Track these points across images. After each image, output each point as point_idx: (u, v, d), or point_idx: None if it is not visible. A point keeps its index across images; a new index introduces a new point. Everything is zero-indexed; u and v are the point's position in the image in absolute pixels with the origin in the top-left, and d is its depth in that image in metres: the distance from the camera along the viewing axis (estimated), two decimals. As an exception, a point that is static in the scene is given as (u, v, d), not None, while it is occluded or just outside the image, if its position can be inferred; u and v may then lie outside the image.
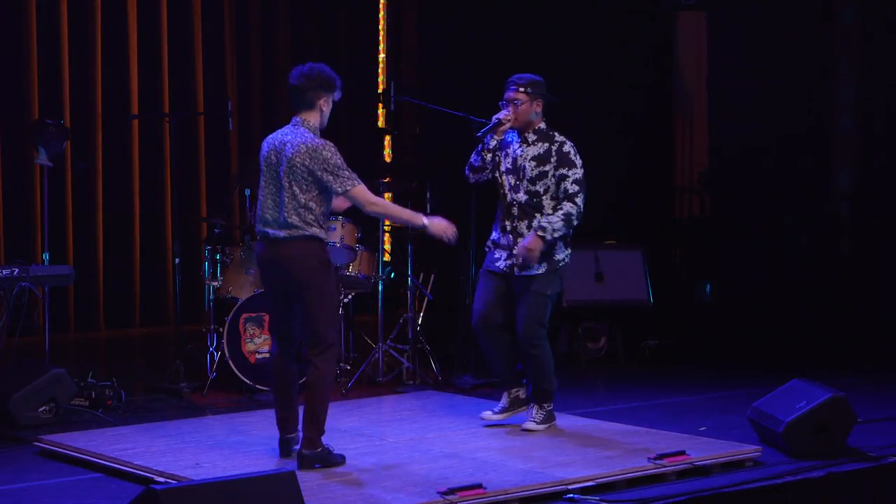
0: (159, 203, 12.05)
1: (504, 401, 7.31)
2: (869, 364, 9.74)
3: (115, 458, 6.41)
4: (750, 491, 6.10)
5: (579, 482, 6.01)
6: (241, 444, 6.71)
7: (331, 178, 6.16)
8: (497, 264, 7.17)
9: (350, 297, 9.09)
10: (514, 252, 7.04)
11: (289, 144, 6.24)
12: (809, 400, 6.75)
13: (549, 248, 7.02)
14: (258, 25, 12.51)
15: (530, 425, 7.12)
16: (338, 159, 6.19)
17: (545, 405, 7.16)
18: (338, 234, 8.79)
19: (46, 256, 9.14)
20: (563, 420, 7.36)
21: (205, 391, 8.44)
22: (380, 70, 13.08)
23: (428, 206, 9.48)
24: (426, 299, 9.43)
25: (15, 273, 8.03)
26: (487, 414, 7.30)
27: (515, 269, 7.06)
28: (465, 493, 5.67)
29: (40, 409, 7.47)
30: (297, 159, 6.18)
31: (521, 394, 7.28)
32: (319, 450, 6.24)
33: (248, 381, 8.38)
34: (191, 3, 12.13)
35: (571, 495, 5.90)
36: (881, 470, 6.54)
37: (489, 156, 7.20)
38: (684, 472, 6.32)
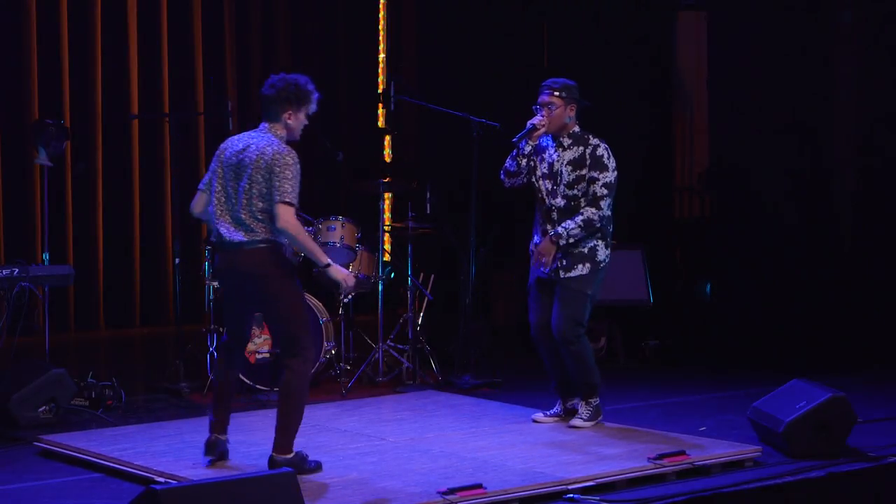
0: (159, 203, 12.06)
1: (558, 408, 7.38)
2: (869, 364, 9.75)
3: (115, 458, 6.42)
4: (750, 491, 6.10)
5: (579, 482, 6.01)
6: (241, 444, 6.71)
7: (278, 182, 5.98)
8: (541, 270, 7.21)
9: (350, 297, 9.09)
10: (562, 258, 7.10)
11: (253, 147, 6.09)
12: (809, 400, 6.75)
13: (591, 249, 7.12)
14: (258, 25, 12.51)
15: (577, 422, 7.18)
16: (294, 171, 6.01)
17: (591, 400, 7.22)
18: (337, 233, 8.79)
19: (46, 256, 9.14)
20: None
21: (205, 391, 8.44)
22: (380, 70, 13.08)
23: (428, 205, 9.48)
24: (426, 299, 9.43)
25: (15, 273, 8.03)
26: (539, 416, 7.38)
27: (560, 272, 7.12)
28: (465, 493, 5.67)
29: (40, 409, 7.47)
30: (261, 162, 6.02)
31: (577, 405, 7.32)
32: (291, 456, 6.12)
33: (247, 381, 8.38)
34: (191, 3, 12.13)
35: (571, 495, 5.90)
36: (881, 470, 6.54)
37: (524, 161, 7.27)
38: (684, 472, 6.33)
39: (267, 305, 6.22)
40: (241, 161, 6.09)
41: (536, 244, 7.27)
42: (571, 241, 7.03)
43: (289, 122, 6.15)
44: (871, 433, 7.16)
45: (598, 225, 7.07)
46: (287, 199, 5.99)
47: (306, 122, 6.25)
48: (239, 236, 6.07)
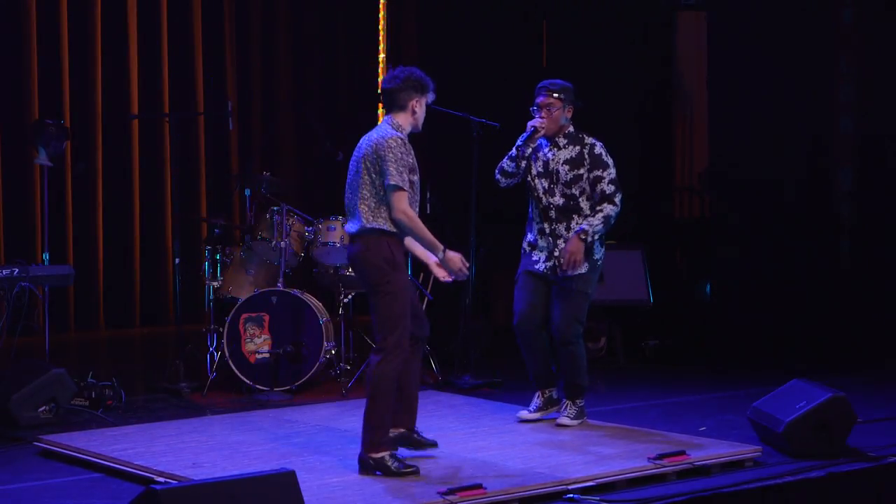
0: (159, 203, 12.05)
1: (538, 401, 7.40)
2: (869, 364, 9.75)
3: (115, 458, 6.41)
4: (750, 491, 6.10)
5: (579, 482, 6.00)
6: (241, 444, 6.71)
7: (388, 167, 6.08)
8: (537, 266, 7.26)
9: (350, 297, 9.08)
10: (559, 257, 7.13)
11: (366, 139, 6.25)
12: (809, 400, 6.75)
13: (588, 247, 7.14)
14: (258, 25, 12.50)
15: (564, 420, 7.21)
16: (401, 154, 6.12)
17: (578, 401, 7.26)
18: (338, 234, 8.79)
19: (46, 256, 9.15)
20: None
21: (205, 391, 8.44)
22: (380, 70, 13.07)
23: (428, 205, 9.47)
24: (426, 299, 9.43)
25: (15, 273, 8.03)
26: (524, 413, 7.40)
27: (558, 270, 7.16)
28: (465, 493, 5.67)
29: (40, 409, 7.47)
30: (370, 152, 6.16)
31: (554, 394, 7.39)
32: (379, 456, 6.08)
33: (248, 381, 8.39)
34: (191, 3, 12.13)
35: (571, 495, 5.89)
36: (881, 470, 6.54)
37: (523, 162, 7.29)
38: (684, 472, 6.32)
39: (368, 295, 6.23)
40: (357, 157, 6.25)
41: (531, 243, 7.30)
42: (596, 237, 7.09)
43: (416, 109, 6.33)
44: (871, 433, 7.16)
45: (613, 221, 7.13)
46: (393, 182, 6.06)
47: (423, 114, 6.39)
48: (354, 228, 6.20)
